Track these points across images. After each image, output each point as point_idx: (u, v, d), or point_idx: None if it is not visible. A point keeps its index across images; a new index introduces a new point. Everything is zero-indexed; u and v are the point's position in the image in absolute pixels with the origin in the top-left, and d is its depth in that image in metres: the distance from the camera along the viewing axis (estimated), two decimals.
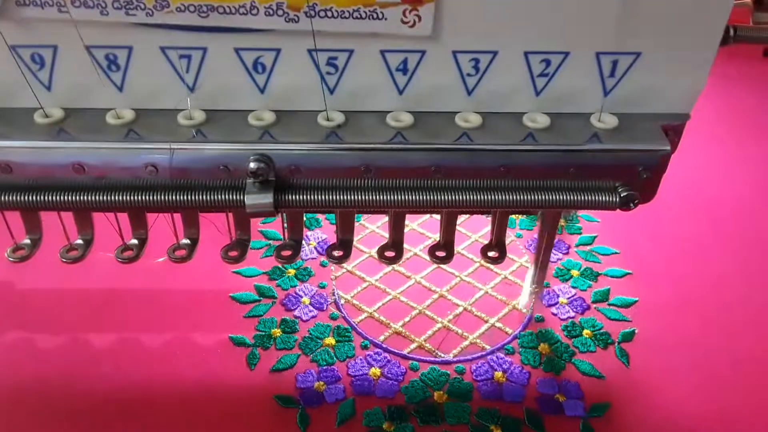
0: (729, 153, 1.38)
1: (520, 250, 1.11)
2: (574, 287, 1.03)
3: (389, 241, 0.80)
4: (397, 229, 0.79)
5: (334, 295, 1.01)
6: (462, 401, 0.86)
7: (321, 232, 1.14)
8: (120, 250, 0.79)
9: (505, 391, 0.87)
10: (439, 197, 0.66)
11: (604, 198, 0.64)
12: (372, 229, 1.14)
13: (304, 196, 0.66)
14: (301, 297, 1.01)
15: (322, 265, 1.07)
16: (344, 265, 1.06)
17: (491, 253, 0.80)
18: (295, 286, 1.03)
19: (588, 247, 1.12)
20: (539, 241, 0.90)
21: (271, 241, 1.11)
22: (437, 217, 1.14)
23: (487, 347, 0.93)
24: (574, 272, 1.06)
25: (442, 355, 0.92)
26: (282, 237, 0.79)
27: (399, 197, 0.66)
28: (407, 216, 0.80)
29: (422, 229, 1.14)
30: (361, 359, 0.92)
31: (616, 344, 0.94)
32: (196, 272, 1.04)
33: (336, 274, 1.05)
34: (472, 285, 1.04)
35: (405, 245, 0.96)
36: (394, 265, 1.06)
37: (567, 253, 1.10)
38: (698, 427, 0.84)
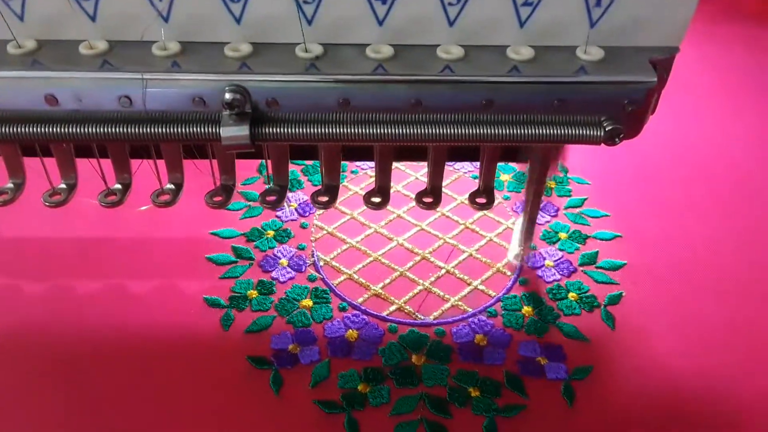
0: (725, 115, 1.35)
1: (507, 213, 1.08)
2: (561, 250, 1.00)
3: (375, 186, 0.78)
4: (383, 173, 0.77)
5: (313, 256, 0.99)
6: (440, 363, 0.84)
7: (302, 194, 1.11)
8: (103, 194, 0.77)
9: (485, 354, 0.85)
10: (422, 130, 0.64)
11: (589, 132, 0.62)
12: (355, 190, 1.11)
13: (282, 129, 0.64)
14: (280, 258, 0.98)
15: (303, 226, 1.04)
16: (325, 226, 1.04)
17: (479, 199, 0.78)
18: (273, 248, 1.00)
19: (577, 210, 1.09)
20: (527, 192, 0.88)
21: (250, 203, 1.08)
22: (423, 178, 1.12)
23: (469, 310, 0.91)
24: (562, 235, 1.03)
25: (422, 317, 0.90)
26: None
27: (380, 130, 0.64)
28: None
29: (407, 191, 1.11)
30: (338, 321, 0.89)
31: (602, 307, 0.91)
32: (172, 234, 1.02)
33: (316, 236, 1.02)
34: (456, 247, 1.01)
35: (388, 207, 0.94)
36: (376, 227, 1.03)
37: (555, 216, 1.07)
38: (681, 390, 0.82)
